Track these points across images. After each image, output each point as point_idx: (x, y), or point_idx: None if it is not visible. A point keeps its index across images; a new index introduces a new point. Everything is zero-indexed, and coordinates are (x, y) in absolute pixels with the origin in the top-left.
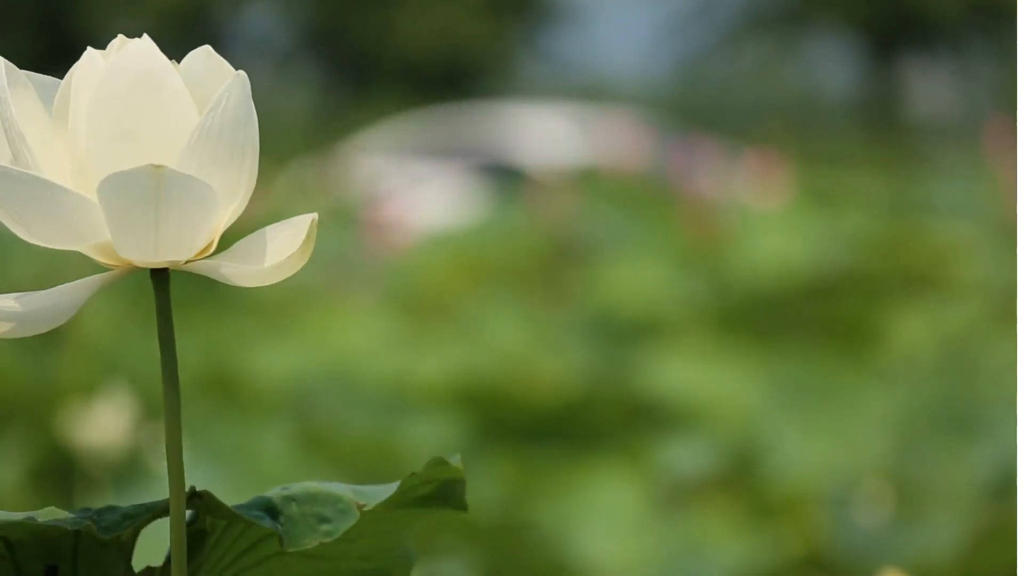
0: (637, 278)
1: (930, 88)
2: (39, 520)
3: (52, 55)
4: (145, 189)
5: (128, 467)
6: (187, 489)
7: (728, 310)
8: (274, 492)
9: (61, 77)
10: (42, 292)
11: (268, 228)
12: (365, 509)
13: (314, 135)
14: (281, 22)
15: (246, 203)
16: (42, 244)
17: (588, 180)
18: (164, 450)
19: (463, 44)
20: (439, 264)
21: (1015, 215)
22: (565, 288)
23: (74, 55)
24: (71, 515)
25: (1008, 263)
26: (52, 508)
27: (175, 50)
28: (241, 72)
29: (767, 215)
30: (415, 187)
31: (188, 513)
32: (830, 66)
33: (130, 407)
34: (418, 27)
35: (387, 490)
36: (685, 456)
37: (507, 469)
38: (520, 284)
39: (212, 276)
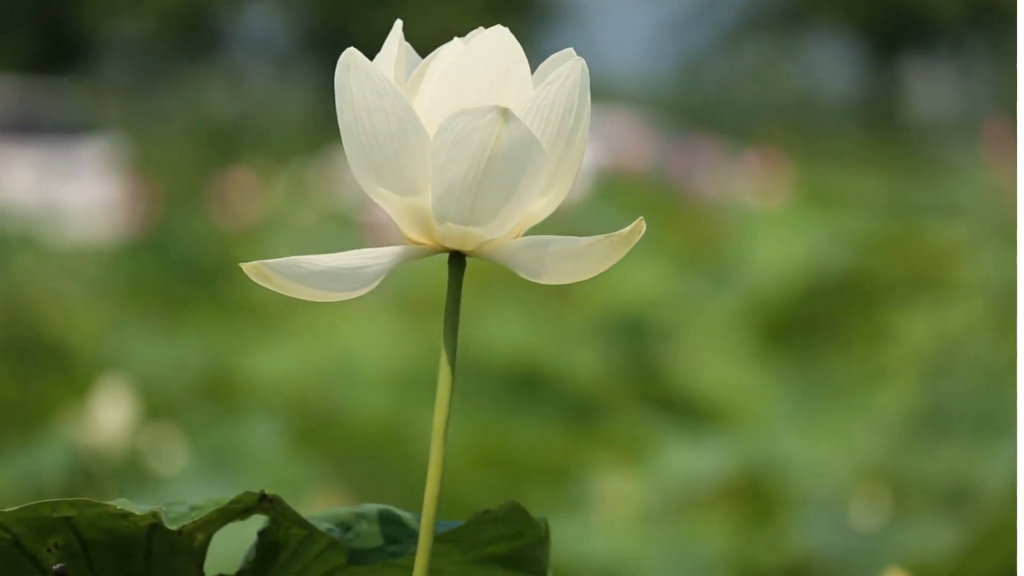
0: (638, 278)
1: (930, 88)
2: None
3: (52, 55)
4: (487, 129)
5: (129, 468)
6: (256, 492)
7: (728, 310)
8: (344, 510)
9: (61, 77)
10: (346, 253)
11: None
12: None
13: (314, 135)
14: (281, 22)
15: (557, 203)
16: (368, 190)
17: (588, 180)
18: (173, 450)
19: None
20: (440, 263)
21: (1015, 215)
22: (566, 287)
23: (74, 55)
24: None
25: (1008, 263)
26: (123, 500)
27: (175, 50)
28: (581, 59)
29: (767, 215)
30: None
31: (257, 520)
32: (830, 66)
33: (132, 408)
34: (418, 27)
35: (451, 525)
36: (688, 455)
37: (508, 467)
38: (521, 284)
39: (512, 263)
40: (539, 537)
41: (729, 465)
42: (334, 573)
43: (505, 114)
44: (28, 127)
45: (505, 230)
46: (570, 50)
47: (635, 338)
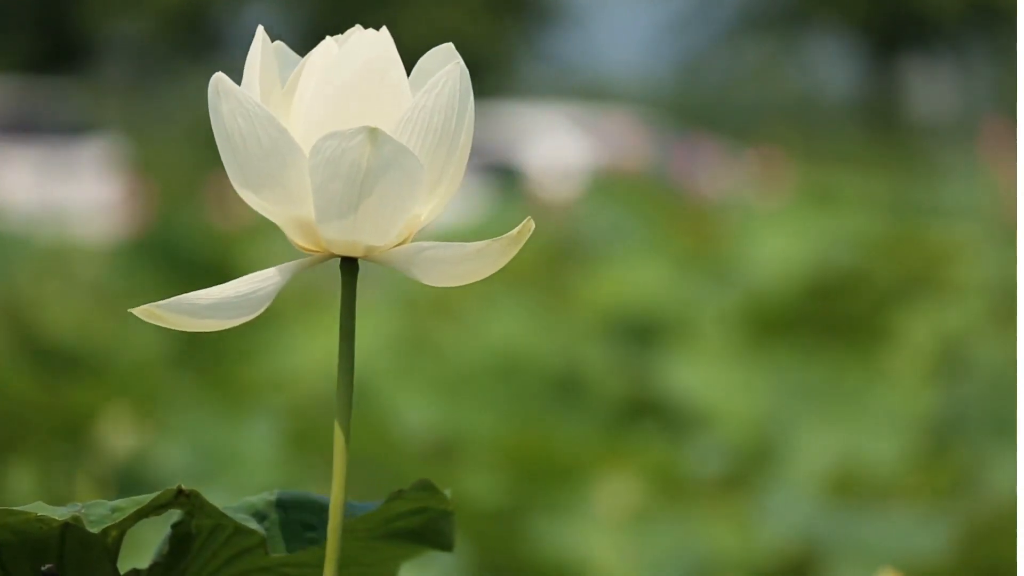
0: (638, 278)
1: (930, 88)
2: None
3: (52, 55)
4: (357, 151)
5: (128, 469)
6: (174, 488)
7: (728, 310)
8: (260, 497)
9: (61, 77)
10: (235, 281)
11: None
12: (349, 520)
13: None
14: (281, 22)
15: (446, 204)
16: (251, 204)
17: (588, 180)
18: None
19: (463, 44)
20: None
21: (1015, 215)
22: (566, 288)
23: (74, 55)
24: (61, 508)
25: (1008, 263)
26: (40, 503)
27: (175, 50)
28: (461, 62)
29: (767, 214)
30: None
31: (176, 513)
32: (830, 66)
33: (132, 408)
34: (418, 27)
35: (372, 506)
36: (687, 454)
37: (509, 465)
38: (521, 283)
39: (404, 268)
40: (444, 511)
41: (729, 464)
42: (248, 561)
43: (374, 135)
44: (28, 127)
45: (390, 238)
46: (449, 46)
47: (635, 338)
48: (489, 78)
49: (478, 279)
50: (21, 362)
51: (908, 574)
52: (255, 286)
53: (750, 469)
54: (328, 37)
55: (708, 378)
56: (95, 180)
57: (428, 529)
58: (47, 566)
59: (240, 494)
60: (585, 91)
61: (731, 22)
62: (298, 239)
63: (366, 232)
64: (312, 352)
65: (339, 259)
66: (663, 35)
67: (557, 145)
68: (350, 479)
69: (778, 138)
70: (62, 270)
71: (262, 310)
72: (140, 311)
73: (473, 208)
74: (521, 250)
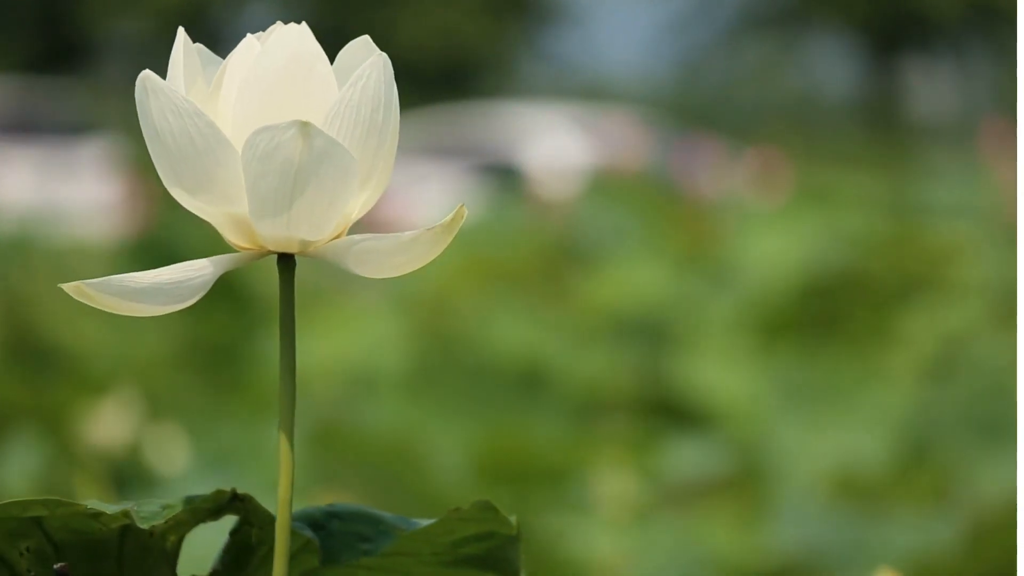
0: (637, 278)
1: (930, 88)
2: (79, 504)
3: (52, 55)
4: (290, 145)
5: (133, 469)
6: (228, 491)
7: (728, 310)
8: (317, 508)
9: (61, 77)
10: (168, 267)
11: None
12: (407, 538)
13: None
14: (282, 22)
15: (377, 196)
16: (185, 203)
17: (588, 180)
18: (168, 450)
19: (463, 44)
20: (440, 263)
21: (1015, 215)
22: (566, 287)
23: (74, 55)
24: (110, 505)
25: (1008, 263)
26: (96, 500)
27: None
28: (383, 54)
29: (767, 214)
30: (415, 187)
31: (229, 521)
32: (830, 66)
33: (134, 408)
34: (418, 27)
35: (426, 522)
36: (687, 454)
37: (509, 466)
38: (521, 283)
39: (340, 261)
40: (510, 537)
41: (728, 464)
42: (306, 573)
43: (306, 128)
44: (28, 127)
45: (325, 233)
46: (365, 38)
47: (634, 337)
48: (489, 78)
49: (413, 269)
50: (20, 362)
51: (908, 574)
52: (187, 275)
53: (751, 469)
54: (249, 35)
55: (708, 378)
56: (95, 180)
57: (494, 556)
58: (59, 564)
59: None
60: (585, 91)
61: (731, 22)
62: (233, 237)
63: (301, 227)
64: (315, 351)
65: (279, 256)
66: (663, 35)
67: (557, 145)
68: (364, 481)
69: (778, 138)
70: (61, 270)
71: (193, 301)
72: (69, 287)
73: (473, 208)
74: (521, 250)
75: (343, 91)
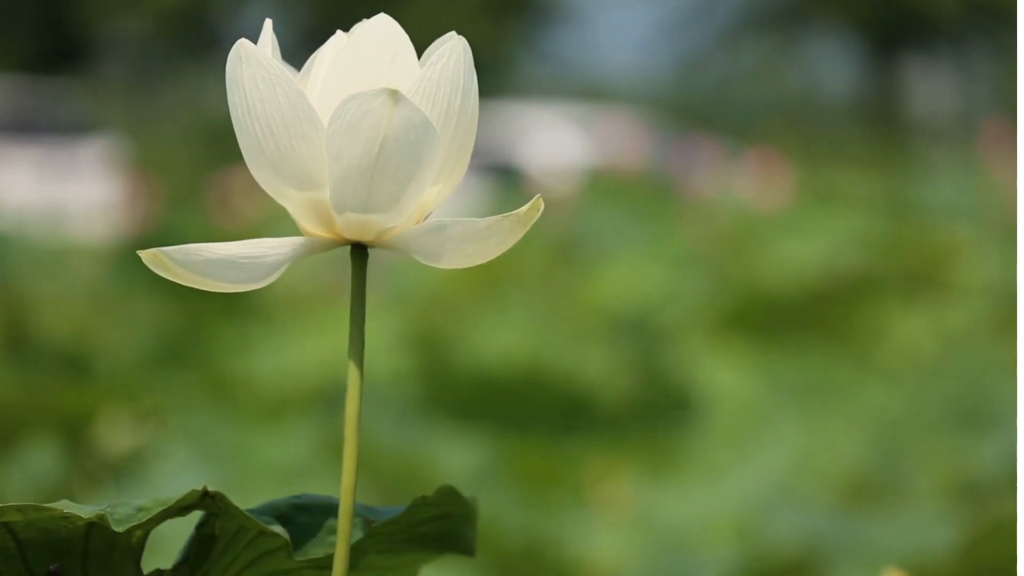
0: (637, 278)
1: (930, 88)
2: (55, 508)
3: (52, 55)
4: (378, 112)
5: (131, 469)
6: (200, 489)
7: (728, 309)
8: (285, 500)
9: (61, 77)
10: (244, 242)
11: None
12: (374, 525)
13: None
14: (281, 22)
15: (450, 191)
16: (265, 185)
17: (588, 180)
18: (175, 450)
19: None
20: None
21: (1015, 215)
22: (565, 286)
23: (74, 55)
24: (87, 507)
25: (1008, 263)
26: (65, 501)
27: (175, 50)
28: (462, 38)
29: (767, 215)
30: None
31: (199, 515)
32: (830, 66)
33: (134, 408)
34: (418, 27)
35: (397, 511)
36: (690, 454)
37: (509, 466)
38: (521, 283)
39: (413, 251)
40: (466, 516)
41: (730, 464)
42: (271, 564)
43: (395, 95)
44: (28, 127)
45: (404, 216)
46: (452, 35)
47: (634, 337)
48: (489, 78)
49: (485, 260)
50: (18, 361)
51: (912, 574)
52: (264, 251)
53: (752, 468)
54: (339, 31)
55: (707, 377)
56: (95, 180)
57: (450, 533)
58: (53, 565)
59: (243, 494)
60: (585, 91)
61: (730, 22)
62: (310, 225)
63: (381, 208)
64: (314, 351)
65: (349, 248)
66: (663, 35)
67: (557, 145)
68: (361, 480)
69: (777, 138)
70: (61, 270)
71: (267, 281)
72: (145, 255)
73: (473, 208)
74: (520, 250)
75: (424, 70)
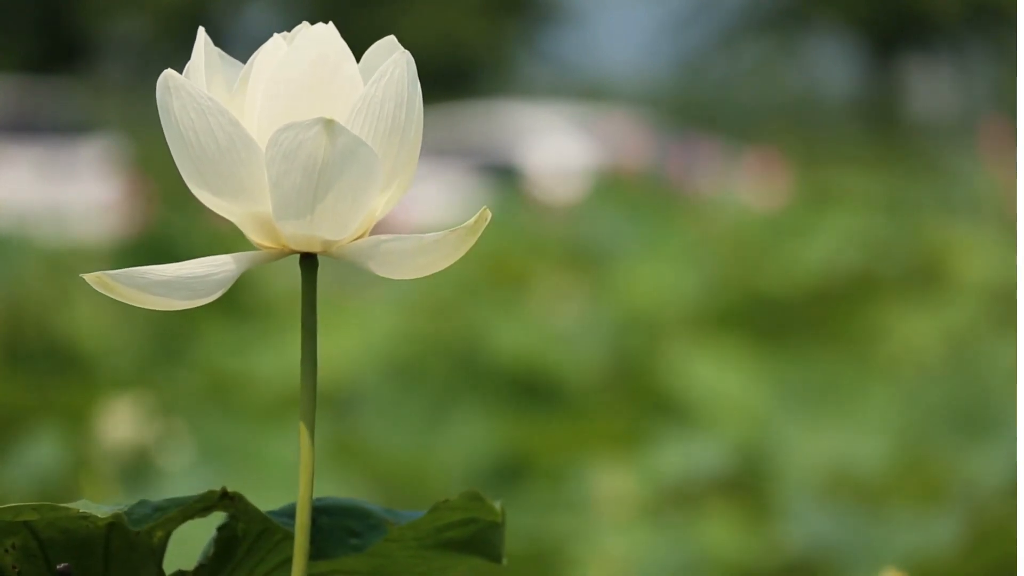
0: (637, 278)
1: (930, 88)
2: (72, 508)
3: (52, 55)
4: (313, 142)
5: (136, 469)
6: (219, 489)
7: (728, 309)
8: None
9: (61, 77)
10: (190, 262)
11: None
12: (395, 527)
13: None
14: (281, 22)
15: (400, 196)
16: (208, 203)
17: (588, 180)
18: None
19: (463, 44)
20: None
21: (1015, 214)
22: (566, 287)
23: (74, 55)
24: (105, 507)
25: (1008, 263)
26: (84, 500)
27: (175, 50)
28: (405, 51)
29: (767, 215)
30: (415, 187)
31: (217, 516)
32: (830, 66)
33: (136, 409)
34: (418, 27)
35: (416, 515)
36: (686, 453)
37: (509, 465)
38: (520, 283)
39: (362, 262)
40: (494, 522)
41: (727, 463)
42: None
43: (330, 126)
44: (28, 127)
45: (348, 232)
46: (391, 38)
47: (634, 337)
48: (489, 78)
49: (435, 271)
50: (18, 361)
51: (913, 574)
52: (209, 270)
53: (754, 469)
54: (276, 35)
55: (709, 378)
56: (95, 180)
57: (477, 539)
58: (62, 565)
59: (245, 494)
60: (585, 91)
61: (731, 22)
62: (256, 237)
63: (324, 226)
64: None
65: (301, 256)
66: (663, 35)
67: (557, 145)
68: (362, 480)
69: (777, 138)
70: (61, 270)
71: (213, 297)
72: (91, 277)
73: (472, 208)
74: (520, 250)
75: (366, 87)
